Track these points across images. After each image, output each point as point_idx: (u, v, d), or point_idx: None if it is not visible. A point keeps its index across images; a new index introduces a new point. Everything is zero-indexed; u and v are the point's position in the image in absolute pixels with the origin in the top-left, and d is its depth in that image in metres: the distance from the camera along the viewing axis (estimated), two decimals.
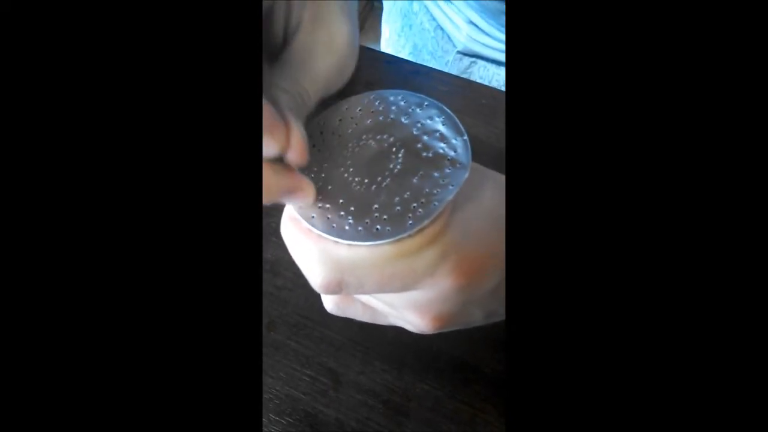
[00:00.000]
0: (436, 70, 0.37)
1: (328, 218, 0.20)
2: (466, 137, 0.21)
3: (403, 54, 0.61)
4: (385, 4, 0.63)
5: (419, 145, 0.22)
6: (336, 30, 0.22)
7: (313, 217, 0.20)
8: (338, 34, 0.22)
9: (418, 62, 0.39)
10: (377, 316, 0.24)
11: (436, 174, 0.21)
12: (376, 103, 0.23)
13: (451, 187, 0.20)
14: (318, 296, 0.23)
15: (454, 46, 0.55)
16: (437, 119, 0.22)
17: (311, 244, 0.20)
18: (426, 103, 0.22)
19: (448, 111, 0.22)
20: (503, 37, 0.51)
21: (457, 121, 0.22)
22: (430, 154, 0.21)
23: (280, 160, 0.20)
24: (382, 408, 0.27)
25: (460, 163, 0.21)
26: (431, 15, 0.55)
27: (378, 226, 0.20)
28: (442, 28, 0.55)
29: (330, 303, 0.24)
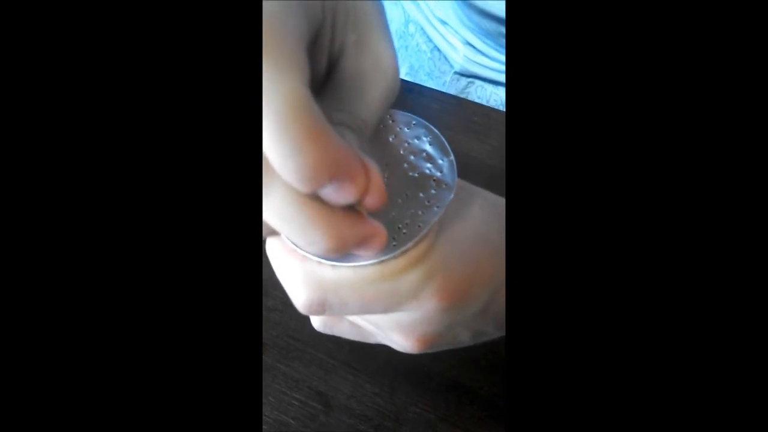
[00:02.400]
0: (429, 88, 0.37)
1: None
2: (452, 158, 0.21)
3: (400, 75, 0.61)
4: None
5: (405, 165, 0.21)
6: (381, 52, 0.20)
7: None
8: (384, 56, 0.20)
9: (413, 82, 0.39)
10: (365, 334, 0.23)
11: (421, 195, 0.20)
12: None
13: (436, 209, 0.20)
14: (308, 317, 0.23)
15: (452, 66, 0.55)
16: (424, 139, 0.22)
17: (296, 264, 0.20)
18: (414, 122, 0.22)
19: (436, 131, 0.22)
20: (501, 57, 0.51)
21: (444, 141, 0.21)
22: (416, 174, 0.21)
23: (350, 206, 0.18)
24: None
25: (445, 184, 0.20)
26: (428, 36, 0.56)
27: None
28: (438, 49, 0.55)
29: (317, 321, 0.23)
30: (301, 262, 0.20)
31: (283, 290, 0.23)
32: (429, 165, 0.21)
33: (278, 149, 0.15)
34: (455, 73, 0.55)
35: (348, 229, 0.17)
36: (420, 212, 0.20)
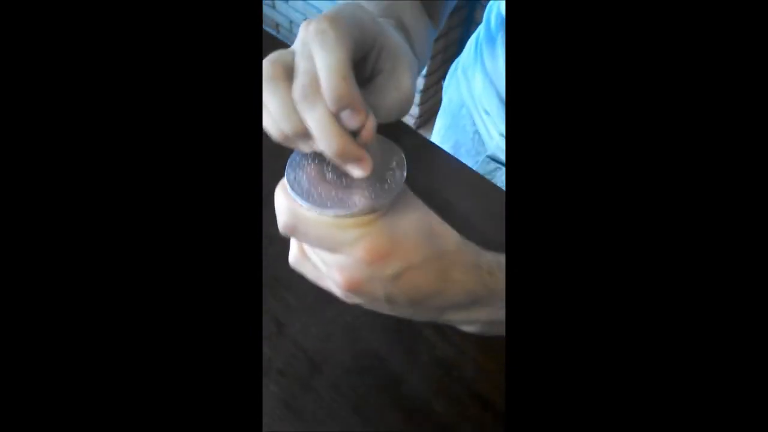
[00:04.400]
0: (463, 163, 0.48)
1: (303, 187, 0.30)
2: (405, 174, 0.31)
3: (446, 147, 0.73)
4: (443, 103, 0.76)
5: (378, 162, 0.32)
6: (404, 81, 0.32)
7: (294, 178, 0.31)
8: (404, 84, 0.32)
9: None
10: (320, 277, 0.33)
11: (378, 185, 0.31)
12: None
13: (386, 197, 0.30)
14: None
15: (486, 150, 0.66)
16: (396, 153, 0.32)
17: (285, 200, 0.30)
18: (392, 146, 0.33)
19: (403, 155, 0.32)
20: None
21: (405, 162, 0.32)
22: (383, 170, 0.32)
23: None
24: None
25: (396, 185, 0.31)
26: (473, 120, 0.67)
27: (329, 203, 0.30)
28: (479, 133, 0.67)
29: (292, 257, 0.34)
30: (288, 200, 0.30)
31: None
32: (390, 173, 0.31)
33: (328, 82, 0.26)
34: (487, 156, 0.66)
35: (351, 144, 0.28)
36: (374, 196, 0.30)
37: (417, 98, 1.61)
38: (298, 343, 0.37)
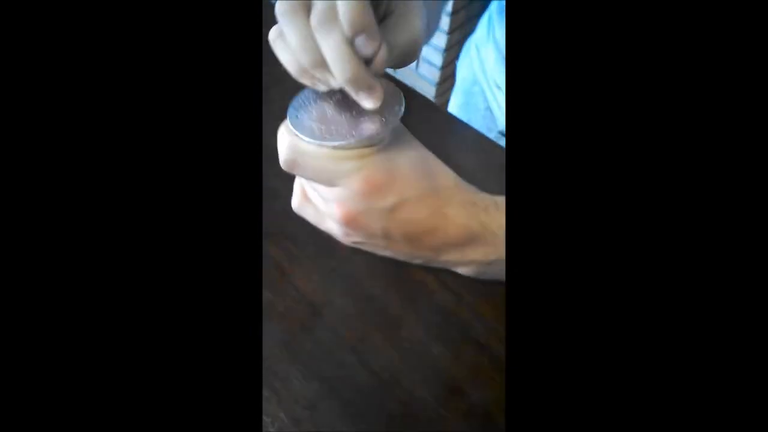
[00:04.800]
0: (473, 128, 0.49)
1: (305, 125, 0.31)
2: (402, 110, 0.31)
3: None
4: (457, 82, 0.76)
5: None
6: (414, 22, 0.33)
7: (297, 117, 0.31)
8: (415, 24, 0.33)
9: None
10: (320, 219, 0.34)
11: (378, 119, 0.31)
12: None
13: (384, 129, 0.31)
14: None
15: (497, 126, 0.67)
16: (394, 98, 0.32)
17: (287, 136, 0.31)
18: (398, 87, 0.33)
19: (403, 97, 0.32)
20: None
21: (403, 104, 0.32)
22: (383, 112, 0.32)
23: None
24: None
25: (393, 119, 0.31)
26: (485, 96, 0.68)
27: (328, 135, 0.30)
28: (490, 109, 0.67)
29: (294, 201, 0.35)
30: (290, 135, 0.31)
31: None
32: (392, 105, 0.32)
33: (345, 5, 0.27)
34: (498, 132, 0.66)
35: (364, 72, 0.29)
36: (371, 132, 0.30)
37: (437, 74, 1.60)
38: (299, 288, 0.38)
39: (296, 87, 0.34)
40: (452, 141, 0.48)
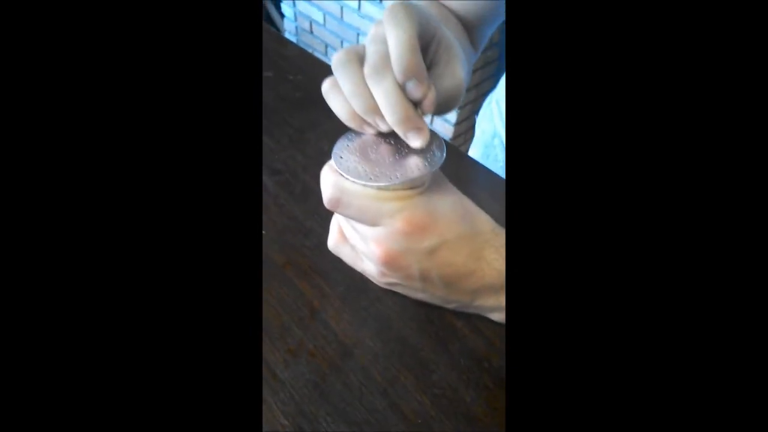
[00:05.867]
0: (498, 176, 0.50)
1: (349, 166, 0.32)
2: (444, 157, 0.32)
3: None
4: (476, 135, 0.78)
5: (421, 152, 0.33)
6: (457, 72, 0.34)
7: (341, 158, 0.32)
8: (459, 72, 0.34)
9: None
10: (356, 260, 0.34)
11: (420, 162, 0.32)
12: None
13: (426, 173, 0.31)
14: None
15: None
16: (434, 143, 0.33)
17: (331, 175, 0.32)
18: (436, 135, 0.34)
19: (443, 143, 0.33)
20: None
21: (444, 149, 0.33)
22: (425, 155, 0.33)
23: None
24: None
25: (437, 161, 0.32)
26: (504, 149, 0.69)
27: (372, 176, 0.31)
28: None
29: (331, 241, 0.35)
30: (334, 174, 0.31)
31: None
32: (434, 149, 0.33)
33: (398, 51, 0.29)
34: None
35: (413, 113, 0.30)
36: (414, 175, 0.31)
37: (451, 131, 1.64)
38: (330, 327, 0.37)
39: (333, 130, 0.35)
40: (481, 188, 0.49)
